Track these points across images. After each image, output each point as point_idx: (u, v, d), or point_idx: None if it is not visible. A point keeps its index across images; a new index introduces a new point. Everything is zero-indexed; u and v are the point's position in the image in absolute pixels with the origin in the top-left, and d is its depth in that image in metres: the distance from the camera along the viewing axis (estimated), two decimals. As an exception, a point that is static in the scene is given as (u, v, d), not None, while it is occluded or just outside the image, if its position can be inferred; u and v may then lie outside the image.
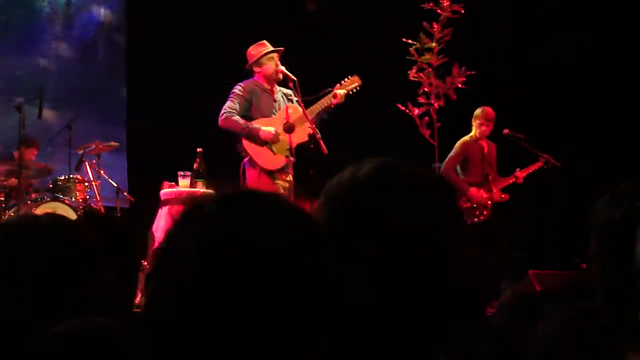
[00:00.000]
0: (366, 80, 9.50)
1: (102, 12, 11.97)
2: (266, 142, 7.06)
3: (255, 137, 7.03)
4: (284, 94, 7.44)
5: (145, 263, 6.84)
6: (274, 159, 7.10)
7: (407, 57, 8.88)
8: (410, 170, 1.23)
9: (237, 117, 7.06)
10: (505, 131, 8.61)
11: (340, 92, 7.37)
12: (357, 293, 1.06)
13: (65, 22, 11.65)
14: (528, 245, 9.43)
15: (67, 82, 11.32)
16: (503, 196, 8.49)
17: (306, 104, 7.25)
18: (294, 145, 7.11)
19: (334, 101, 7.33)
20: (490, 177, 8.49)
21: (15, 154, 8.53)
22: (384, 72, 9.45)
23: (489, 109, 8.45)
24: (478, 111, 8.48)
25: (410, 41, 8.86)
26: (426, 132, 8.78)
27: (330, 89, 7.40)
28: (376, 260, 1.14)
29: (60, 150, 9.12)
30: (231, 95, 7.21)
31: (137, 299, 6.48)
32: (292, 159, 7.16)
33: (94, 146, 8.76)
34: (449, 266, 1.17)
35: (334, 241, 1.05)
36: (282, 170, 7.17)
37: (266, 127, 7.07)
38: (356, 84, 7.52)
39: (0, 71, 10.88)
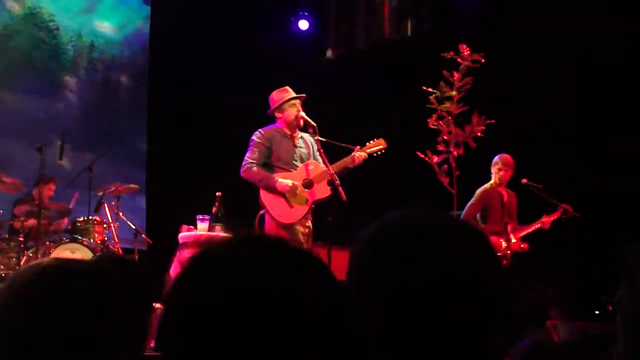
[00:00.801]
0: (386, 128, 9.54)
1: (124, 56, 12.10)
2: (283, 194, 7.04)
3: (272, 189, 7.01)
4: (306, 140, 7.40)
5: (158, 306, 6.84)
6: (289, 212, 7.05)
7: (427, 105, 8.90)
8: (437, 222, 1.18)
9: (256, 169, 7.06)
10: (524, 180, 8.60)
11: (361, 154, 7.27)
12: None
13: (88, 65, 11.78)
14: (546, 296, 9.35)
15: (89, 125, 11.43)
16: (523, 246, 8.45)
17: (326, 146, 7.23)
18: (314, 200, 7.08)
19: (353, 164, 7.23)
20: (509, 227, 8.46)
21: (35, 192, 8.60)
22: (403, 120, 9.49)
23: (507, 156, 8.50)
24: (496, 158, 8.53)
25: (430, 89, 8.89)
26: (445, 180, 8.77)
27: (352, 147, 7.32)
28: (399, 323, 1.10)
29: (80, 192, 9.16)
30: (251, 144, 7.21)
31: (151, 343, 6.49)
32: (312, 206, 7.13)
33: (113, 188, 8.80)
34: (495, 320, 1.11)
35: (361, 301, 1.02)
36: (311, 211, 7.15)
37: (283, 180, 7.06)
38: (381, 147, 7.42)
39: (23, 112, 10.99)
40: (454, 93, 8.88)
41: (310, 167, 7.18)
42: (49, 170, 8.55)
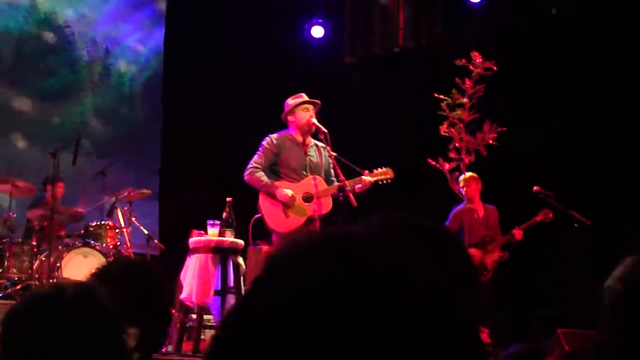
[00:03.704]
0: (398, 135, 9.57)
1: (139, 62, 12.18)
2: (282, 203, 7.01)
3: (272, 196, 7.00)
4: (318, 148, 7.38)
5: (173, 311, 6.88)
6: (284, 221, 6.98)
7: (439, 113, 8.92)
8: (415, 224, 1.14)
9: (260, 174, 7.02)
10: (536, 189, 8.59)
11: (368, 179, 7.12)
12: None
13: (103, 71, 11.86)
14: (556, 303, 9.34)
15: (103, 130, 11.51)
16: (501, 254, 8.43)
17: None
18: (313, 214, 7.02)
19: (359, 188, 7.05)
20: (487, 239, 8.45)
21: (48, 195, 8.66)
22: (415, 127, 9.50)
23: (469, 173, 8.53)
24: (461, 177, 8.57)
25: (442, 97, 8.91)
26: (456, 187, 8.79)
27: (360, 171, 7.23)
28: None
29: (93, 196, 9.22)
30: (259, 149, 7.18)
31: (164, 348, 6.53)
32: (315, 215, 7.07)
33: (126, 193, 8.84)
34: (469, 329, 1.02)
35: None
36: (307, 224, 7.08)
37: (284, 190, 7.03)
38: (388, 176, 7.24)
39: (38, 117, 11.07)
40: (465, 100, 8.91)
41: (317, 181, 7.13)
42: (63, 175, 8.61)
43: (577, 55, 9.54)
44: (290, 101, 7.32)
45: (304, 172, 7.18)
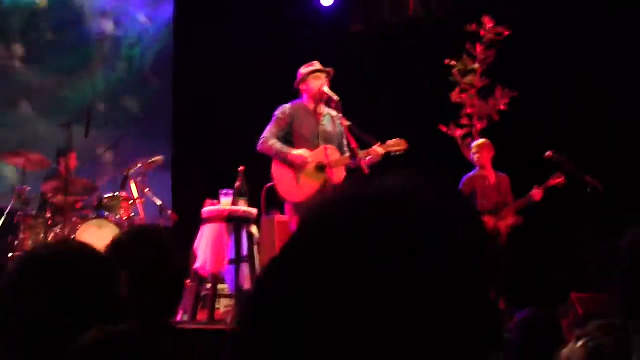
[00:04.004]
0: (409, 102, 9.53)
1: (150, 34, 12.16)
2: (295, 170, 6.98)
3: (285, 160, 6.98)
4: (332, 118, 7.33)
5: (188, 282, 6.92)
6: (295, 189, 6.98)
7: (450, 79, 8.89)
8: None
9: (273, 141, 7.02)
10: (549, 153, 8.55)
11: (380, 150, 7.05)
12: None
13: (113, 43, 11.85)
14: (570, 267, 9.34)
15: (115, 102, 11.52)
16: (515, 220, 8.41)
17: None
18: (332, 183, 6.98)
19: (370, 159, 6.99)
20: (500, 204, 8.44)
21: (62, 167, 8.69)
22: (426, 94, 9.47)
23: (480, 140, 8.49)
24: (473, 144, 8.53)
25: (453, 63, 8.87)
26: (468, 154, 8.77)
27: (373, 141, 7.13)
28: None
29: (106, 169, 9.25)
30: (272, 119, 7.17)
31: (179, 316, 6.58)
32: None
33: (139, 165, 8.85)
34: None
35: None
36: (320, 194, 7.05)
37: (297, 150, 7.03)
38: (402, 147, 7.18)
39: (49, 91, 11.09)
40: (477, 66, 8.88)
41: (329, 152, 7.10)
42: (75, 147, 8.65)
43: (591, 16, 9.48)
44: (303, 70, 7.30)
45: (317, 142, 7.17)
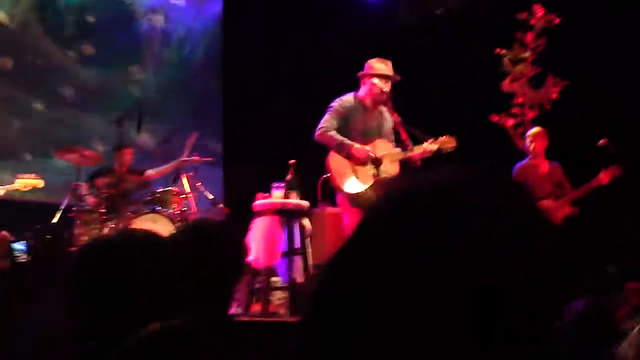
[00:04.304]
0: (460, 92, 9.47)
1: (198, 28, 12.23)
2: (352, 163, 6.97)
3: (346, 154, 6.97)
4: (384, 115, 7.28)
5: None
6: (351, 183, 6.98)
7: (501, 68, 8.81)
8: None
9: (333, 132, 7.01)
10: (602, 141, 8.44)
11: (431, 147, 7.05)
12: None
13: (162, 38, 11.95)
14: (625, 259, 9.22)
15: (165, 97, 11.61)
16: (573, 210, 8.32)
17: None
18: (386, 178, 6.96)
19: (420, 154, 7.01)
20: (557, 194, 8.36)
21: (116, 165, 8.80)
22: (477, 84, 9.41)
23: (537, 128, 8.40)
24: (528, 132, 8.44)
25: (504, 52, 8.79)
26: (520, 143, 8.70)
27: (425, 138, 7.12)
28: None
29: (158, 164, 9.33)
30: (329, 110, 7.15)
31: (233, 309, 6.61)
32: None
33: (190, 159, 8.91)
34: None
35: None
36: (374, 187, 7.04)
37: (361, 146, 6.99)
38: (452, 145, 7.15)
39: (101, 87, 11.21)
40: (527, 55, 8.78)
41: (383, 146, 7.11)
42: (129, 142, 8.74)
43: None
44: (376, 64, 7.28)
45: (371, 136, 7.19)
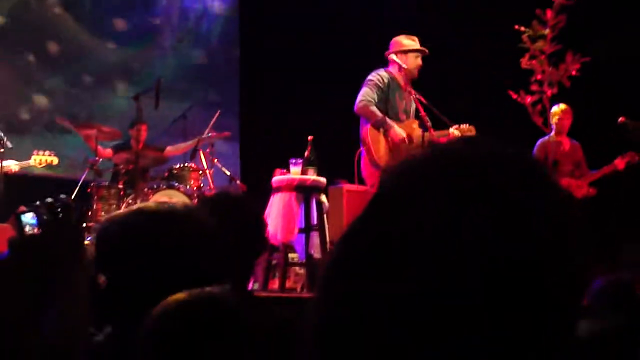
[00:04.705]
0: (478, 68, 9.42)
1: (216, 5, 12.21)
2: (387, 140, 6.97)
3: (384, 132, 6.97)
4: (413, 94, 7.26)
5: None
6: (386, 158, 6.97)
7: (520, 45, 8.75)
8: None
9: (374, 108, 6.96)
10: (622, 119, 8.40)
11: (456, 133, 7.10)
12: None
13: (181, 14, 11.94)
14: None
15: (183, 73, 11.62)
16: (590, 191, 8.31)
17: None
18: None
19: (443, 138, 6.92)
20: (577, 174, 8.34)
21: (132, 142, 8.82)
22: (496, 60, 9.35)
23: (563, 104, 8.36)
24: (555, 107, 8.40)
25: (523, 28, 8.73)
26: (539, 120, 8.66)
27: (449, 123, 7.20)
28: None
29: (176, 140, 9.34)
30: (369, 83, 7.10)
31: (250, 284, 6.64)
32: None
33: (208, 134, 8.92)
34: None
35: None
36: None
37: (399, 129, 6.99)
38: (472, 134, 7.13)
39: (119, 63, 11.23)
40: (547, 31, 8.71)
41: (414, 126, 7.13)
42: (145, 118, 8.74)
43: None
44: (405, 41, 7.26)
45: (404, 115, 7.20)
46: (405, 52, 7.19)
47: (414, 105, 7.30)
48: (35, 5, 10.73)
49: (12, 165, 8.40)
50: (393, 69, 7.25)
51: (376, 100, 7.02)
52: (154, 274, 1.85)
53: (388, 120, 6.96)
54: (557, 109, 8.42)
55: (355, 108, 7.02)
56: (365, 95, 7.02)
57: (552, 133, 8.45)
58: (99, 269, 1.92)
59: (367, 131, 7.01)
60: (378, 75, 7.14)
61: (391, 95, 7.13)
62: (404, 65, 7.17)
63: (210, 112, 10.08)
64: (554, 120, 8.42)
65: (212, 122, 8.88)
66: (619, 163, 8.31)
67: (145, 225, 1.93)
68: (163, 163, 8.97)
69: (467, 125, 7.24)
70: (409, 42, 7.24)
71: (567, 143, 8.43)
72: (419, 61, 7.20)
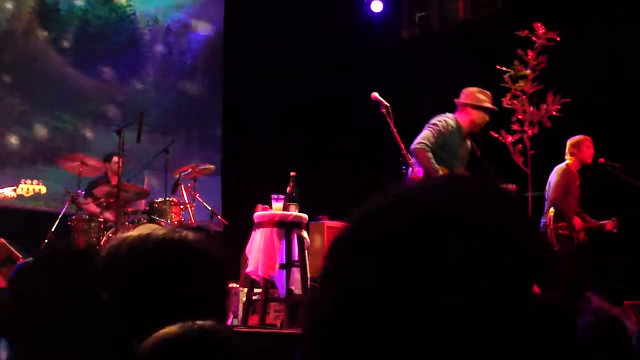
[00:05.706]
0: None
1: (199, 40, 12.26)
2: None
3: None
4: (469, 143, 7.41)
5: (234, 285, 6.93)
6: None
7: (501, 85, 8.83)
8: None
9: (431, 154, 6.96)
10: (601, 160, 8.47)
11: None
12: None
13: (164, 49, 11.98)
14: (623, 276, 9.23)
15: (165, 108, 11.63)
16: (584, 238, 8.34)
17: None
18: None
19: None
20: (583, 216, 8.38)
21: (109, 174, 8.82)
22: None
23: (583, 135, 8.39)
24: (579, 137, 8.37)
25: (504, 68, 8.81)
26: (519, 160, 8.70)
27: None
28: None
29: (157, 174, 9.34)
30: (434, 127, 7.15)
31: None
32: None
33: (190, 170, 8.93)
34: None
35: None
36: None
37: None
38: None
39: (101, 96, 11.23)
40: (528, 72, 8.79)
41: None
42: (127, 152, 8.72)
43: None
44: (480, 95, 7.33)
45: (457, 163, 7.24)
46: (477, 107, 7.28)
47: (467, 155, 7.37)
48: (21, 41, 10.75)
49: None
50: (460, 117, 7.32)
51: (434, 145, 7.03)
52: (155, 299, 1.85)
53: (437, 168, 6.94)
54: (582, 139, 8.36)
55: (412, 147, 7.01)
56: (425, 138, 7.06)
57: (575, 164, 8.37)
58: (102, 285, 1.92)
59: (421, 174, 7.01)
60: (445, 122, 7.20)
61: (451, 142, 7.19)
62: (474, 119, 7.26)
63: (192, 146, 10.14)
64: (587, 152, 8.33)
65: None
66: (609, 225, 8.36)
67: (153, 251, 1.94)
68: (144, 197, 8.96)
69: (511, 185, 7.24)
70: (484, 97, 7.35)
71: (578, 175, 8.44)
72: (487, 118, 7.30)
